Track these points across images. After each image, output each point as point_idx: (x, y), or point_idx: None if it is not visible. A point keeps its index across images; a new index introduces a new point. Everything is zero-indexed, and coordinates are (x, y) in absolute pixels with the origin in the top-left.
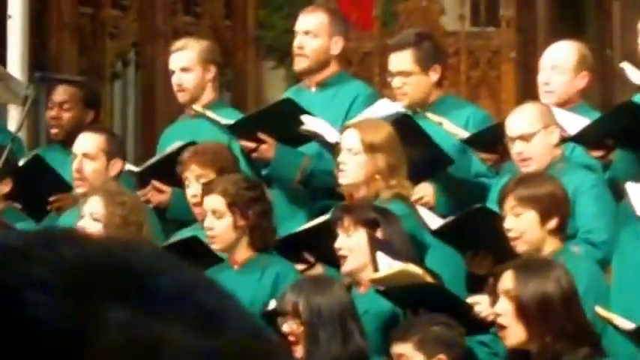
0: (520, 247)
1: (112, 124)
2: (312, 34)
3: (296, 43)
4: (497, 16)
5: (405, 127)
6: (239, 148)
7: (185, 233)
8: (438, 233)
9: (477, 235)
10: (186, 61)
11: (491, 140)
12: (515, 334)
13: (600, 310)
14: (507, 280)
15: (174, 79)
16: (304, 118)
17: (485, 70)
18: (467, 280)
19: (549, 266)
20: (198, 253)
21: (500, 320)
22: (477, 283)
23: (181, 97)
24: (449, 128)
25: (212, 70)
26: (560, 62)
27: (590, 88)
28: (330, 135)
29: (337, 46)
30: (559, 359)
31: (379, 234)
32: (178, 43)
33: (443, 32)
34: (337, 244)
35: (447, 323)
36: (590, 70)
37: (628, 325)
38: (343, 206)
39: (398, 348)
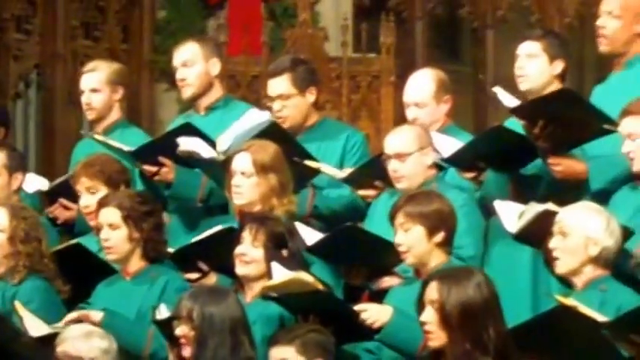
0: (409, 260)
1: (14, 141)
2: (189, 63)
3: (178, 76)
4: (378, 43)
5: (275, 134)
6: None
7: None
8: (312, 250)
9: (350, 250)
10: (96, 82)
11: (368, 176)
12: (438, 338)
13: None
14: (432, 290)
15: (84, 99)
16: (179, 140)
17: (366, 94)
18: (345, 291)
19: (470, 274)
20: (87, 261)
21: (425, 328)
22: (354, 293)
23: (89, 116)
24: (326, 170)
25: (120, 92)
26: (421, 98)
27: (457, 107)
28: (205, 151)
29: (215, 67)
30: None
31: (285, 249)
32: (90, 65)
33: (326, 58)
34: (242, 250)
35: (319, 330)
36: (451, 92)
37: None
38: (256, 216)
39: (280, 352)
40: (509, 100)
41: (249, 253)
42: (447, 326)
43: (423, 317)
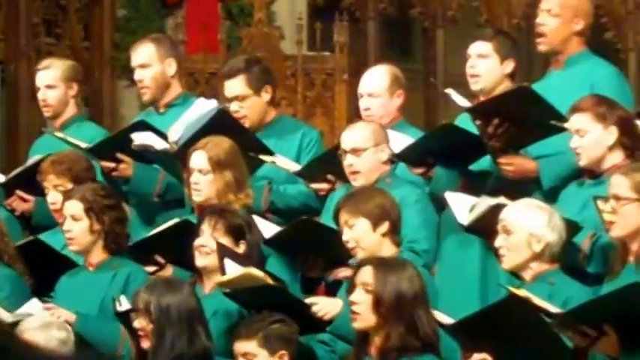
0: (360, 254)
1: None
2: (146, 65)
3: (135, 77)
4: (332, 42)
5: (224, 120)
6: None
7: (46, 237)
8: (269, 242)
9: (306, 242)
10: (51, 79)
11: (321, 170)
12: (366, 320)
13: None
14: (366, 274)
15: (40, 96)
16: (133, 135)
17: (321, 91)
18: (301, 283)
19: (404, 266)
20: (48, 256)
21: (354, 308)
22: (311, 286)
23: (46, 112)
24: (281, 164)
25: (74, 88)
26: (375, 89)
27: (409, 104)
28: (158, 144)
29: (171, 67)
30: (400, 351)
31: (242, 244)
32: (44, 63)
33: (282, 56)
34: (201, 242)
35: (283, 320)
36: (404, 88)
37: (447, 320)
38: (215, 209)
39: (242, 346)
40: (462, 101)
41: (209, 244)
42: (377, 311)
43: (354, 297)
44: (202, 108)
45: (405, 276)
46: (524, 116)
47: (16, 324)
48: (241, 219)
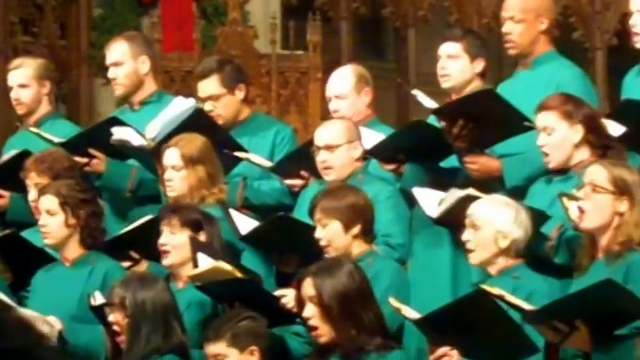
0: (330, 253)
1: None
2: (119, 62)
3: (109, 75)
4: (305, 41)
5: (201, 119)
6: None
7: (27, 235)
8: (245, 239)
9: (281, 238)
10: (23, 78)
11: (294, 166)
12: (325, 332)
13: (392, 300)
14: (308, 286)
15: (13, 94)
16: (113, 129)
17: (295, 89)
18: (277, 277)
19: (340, 264)
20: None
21: (310, 323)
22: (287, 280)
23: (19, 110)
24: (255, 160)
25: (47, 86)
26: (341, 90)
27: (381, 102)
28: (135, 140)
29: (144, 65)
30: (362, 349)
31: (202, 234)
32: (16, 62)
33: (256, 54)
34: (161, 241)
35: (252, 316)
36: (370, 85)
37: (414, 314)
38: (171, 207)
39: (212, 348)
40: (428, 102)
41: (169, 242)
42: (329, 318)
43: (306, 313)
44: (180, 106)
45: (343, 274)
46: (488, 118)
47: None
48: (198, 213)
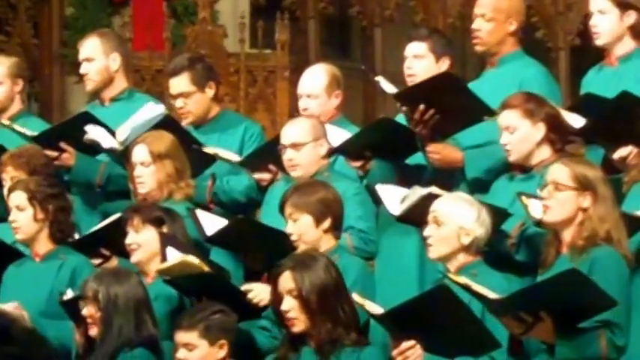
0: (300, 247)
1: None
2: (90, 58)
3: (81, 70)
4: (273, 40)
5: (170, 126)
6: None
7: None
8: (211, 240)
9: (246, 238)
10: None
11: (263, 160)
12: (301, 323)
13: (356, 296)
14: (287, 280)
15: None
16: (88, 128)
17: (263, 88)
18: (246, 274)
19: (315, 258)
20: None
21: (288, 315)
22: (255, 276)
23: None
24: (223, 155)
25: (20, 84)
26: (313, 90)
27: (348, 100)
28: (106, 142)
29: (115, 62)
30: (337, 342)
31: (164, 230)
32: None
33: (225, 53)
34: (127, 240)
35: (224, 311)
36: (342, 88)
37: (377, 310)
38: (132, 207)
39: (183, 337)
40: (390, 88)
41: (134, 240)
42: (308, 310)
43: (284, 306)
44: (150, 112)
45: (320, 268)
46: (448, 103)
47: None
48: (159, 210)
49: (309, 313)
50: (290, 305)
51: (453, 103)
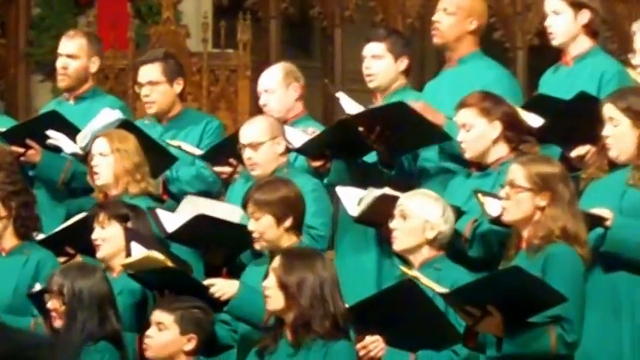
0: (262, 244)
1: None
2: (74, 56)
3: (60, 64)
4: (235, 40)
5: (128, 129)
6: None
7: None
8: (171, 237)
9: (206, 234)
10: None
11: (224, 154)
12: (275, 301)
13: None
14: (276, 261)
15: None
16: (49, 132)
17: (225, 87)
18: (206, 268)
19: (311, 254)
20: None
21: (265, 292)
22: (215, 271)
23: None
24: (186, 148)
25: None
26: (269, 85)
27: (308, 99)
28: (68, 147)
29: (94, 65)
30: (309, 328)
31: (129, 226)
32: None
33: (188, 53)
34: (93, 236)
35: (204, 309)
36: (299, 81)
37: None
38: (98, 204)
39: (159, 316)
40: (349, 107)
41: (100, 236)
42: (285, 293)
43: (265, 282)
44: (108, 117)
45: (311, 263)
46: (405, 128)
47: None
48: (125, 207)
49: (284, 295)
50: (269, 282)
51: (409, 128)
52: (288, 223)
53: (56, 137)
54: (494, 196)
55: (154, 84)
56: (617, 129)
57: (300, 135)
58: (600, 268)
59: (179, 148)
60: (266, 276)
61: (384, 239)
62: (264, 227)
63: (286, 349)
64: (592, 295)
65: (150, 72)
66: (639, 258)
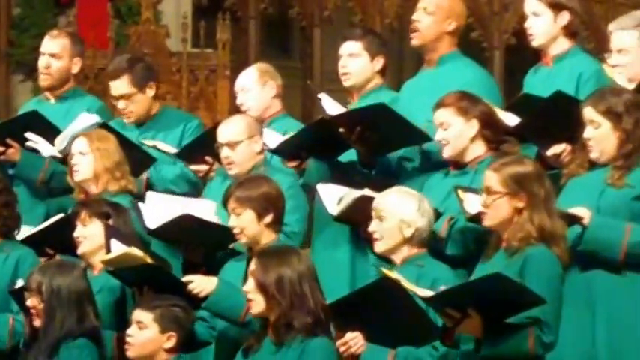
0: (242, 240)
1: None
2: (57, 56)
3: (42, 63)
4: (215, 40)
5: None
6: None
7: None
8: (152, 234)
9: (187, 232)
10: None
11: (199, 152)
12: (257, 304)
13: None
14: (253, 263)
15: None
16: (28, 135)
17: (204, 86)
18: (184, 265)
19: (287, 251)
20: None
21: (248, 296)
22: (193, 268)
23: None
24: (162, 147)
25: None
26: (245, 83)
27: (287, 98)
28: (45, 150)
29: (77, 65)
30: (291, 326)
31: (111, 224)
32: None
33: (168, 52)
34: (75, 233)
35: (184, 307)
36: (275, 79)
37: None
38: (81, 202)
39: (139, 315)
40: (331, 108)
41: (81, 233)
42: (264, 294)
43: (245, 287)
44: (85, 121)
45: (286, 259)
46: (385, 128)
47: None
48: (107, 205)
49: (264, 297)
50: (249, 286)
51: (389, 129)
52: (268, 219)
53: (35, 140)
54: (475, 191)
55: (127, 97)
56: (598, 131)
57: (276, 136)
58: (577, 267)
59: (155, 147)
60: (245, 280)
61: (363, 239)
62: (245, 223)
63: (269, 347)
64: (568, 293)
65: (119, 86)
66: (615, 257)
